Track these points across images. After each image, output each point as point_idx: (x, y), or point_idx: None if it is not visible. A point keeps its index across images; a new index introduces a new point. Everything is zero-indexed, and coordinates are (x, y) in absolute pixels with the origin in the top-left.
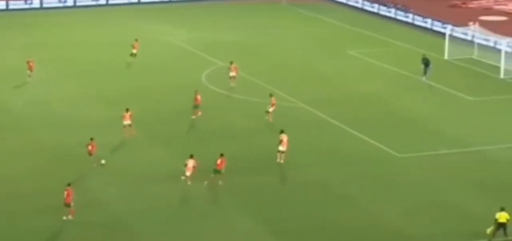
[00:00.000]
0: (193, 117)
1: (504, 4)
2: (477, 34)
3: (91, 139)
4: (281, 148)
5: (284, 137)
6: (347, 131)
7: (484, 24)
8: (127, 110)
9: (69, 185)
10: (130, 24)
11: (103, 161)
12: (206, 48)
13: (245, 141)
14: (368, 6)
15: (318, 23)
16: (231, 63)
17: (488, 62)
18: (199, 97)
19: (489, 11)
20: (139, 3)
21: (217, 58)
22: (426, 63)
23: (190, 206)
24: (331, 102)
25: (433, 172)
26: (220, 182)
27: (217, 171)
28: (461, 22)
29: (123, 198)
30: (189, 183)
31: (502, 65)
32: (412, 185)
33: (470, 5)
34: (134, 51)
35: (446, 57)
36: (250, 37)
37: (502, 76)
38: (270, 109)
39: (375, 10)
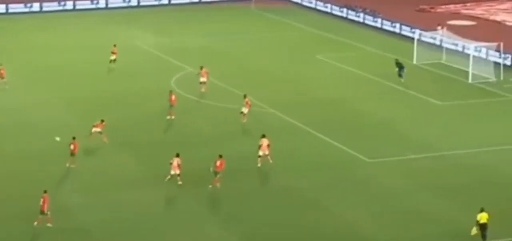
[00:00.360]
0: (168, 117)
1: (472, 9)
2: (445, 39)
3: (73, 138)
4: (261, 152)
5: (264, 142)
6: (317, 136)
7: (452, 29)
8: (102, 121)
9: (45, 192)
10: (97, 29)
11: (57, 138)
12: (175, 53)
13: (216, 147)
14: (336, 11)
15: (287, 28)
16: (201, 68)
17: (456, 66)
18: (173, 97)
19: (457, 15)
20: (106, 8)
21: (186, 63)
22: (400, 66)
23: (159, 213)
24: (300, 107)
25: (402, 177)
26: (210, 186)
27: (216, 173)
28: (429, 27)
29: (89, 205)
30: (180, 183)
31: (470, 70)
32: (382, 191)
33: (438, 10)
34: (113, 57)
35: (414, 61)
36: (219, 42)
37: (470, 80)
38: (245, 110)
39: (344, 15)
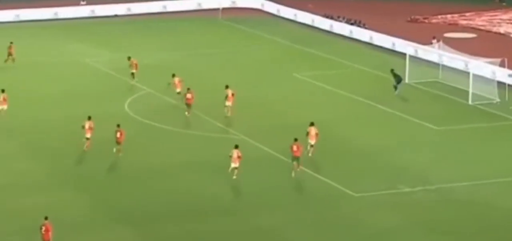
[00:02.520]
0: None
1: (472, 19)
2: (442, 54)
3: (118, 125)
4: (233, 164)
5: (235, 153)
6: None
7: (449, 42)
8: (89, 117)
9: (46, 218)
10: (43, 43)
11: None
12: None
13: (179, 180)
14: (318, 22)
15: (260, 41)
16: (173, 76)
17: (455, 85)
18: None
19: (454, 27)
20: (55, 19)
21: (142, 83)
22: (397, 78)
23: None
24: (275, 133)
25: (393, 214)
26: (294, 172)
27: (295, 158)
28: (424, 40)
29: None
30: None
31: (470, 90)
32: (371, 229)
33: (433, 20)
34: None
35: (406, 80)
36: (182, 57)
37: (470, 102)
38: (228, 104)
39: (327, 27)
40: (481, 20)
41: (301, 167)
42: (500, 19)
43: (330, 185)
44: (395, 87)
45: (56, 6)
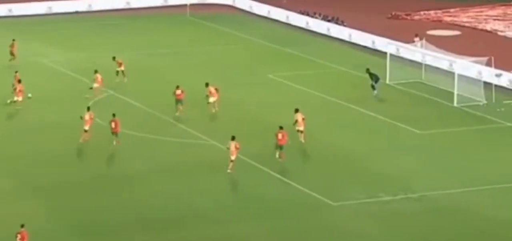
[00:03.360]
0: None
1: (456, 16)
2: (425, 53)
3: (113, 115)
4: (232, 157)
5: (233, 145)
6: (270, 175)
7: (433, 40)
8: (88, 108)
9: (22, 226)
10: None
11: (29, 95)
12: (90, 72)
13: (147, 188)
14: (293, 19)
15: (231, 40)
16: (114, 58)
17: (439, 86)
18: (114, 124)
19: (438, 24)
20: (10, 16)
21: (105, 85)
22: (374, 77)
23: None
24: (248, 138)
25: (374, 224)
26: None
27: (279, 147)
28: (406, 38)
29: None
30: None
31: (456, 91)
32: (351, 240)
33: (416, 17)
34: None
35: (387, 81)
36: (146, 57)
37: (455, 104)
38: (212, 100)
39: (303, 25)
40: (466, 17)
41: (284, 156)
42: (487, 15)
43: (307, 193)
44: (373, 87)
45: (10, 2)
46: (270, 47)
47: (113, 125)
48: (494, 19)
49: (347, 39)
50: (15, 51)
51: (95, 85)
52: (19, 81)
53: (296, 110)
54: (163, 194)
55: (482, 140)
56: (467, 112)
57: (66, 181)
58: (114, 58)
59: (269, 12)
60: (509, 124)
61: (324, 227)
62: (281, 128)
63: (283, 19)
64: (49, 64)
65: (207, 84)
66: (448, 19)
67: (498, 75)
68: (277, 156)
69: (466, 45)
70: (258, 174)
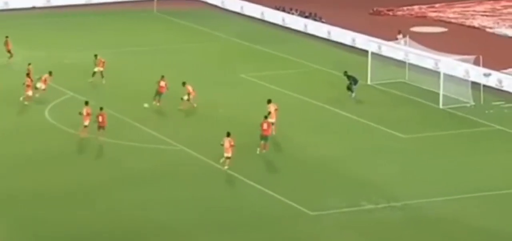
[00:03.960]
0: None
1: (442, 11)
2: (408, 51)
3: (101, 108)
4: (226, 154)
5: (227, 141)
6: (242, 181)
7: (417, 37)
8: (86, 102)
9: None
10: None
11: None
12: (44, 72)
13: (111, 198)
14: (268, 15)
15: (201, 37)
16: (96, 56)
17: (423, 87)
18: (101, 118)
19: (423, 20)
20: None
21: (65, 86)
22: (352, 79)
23: None
24: (216, 143)
25: (355, 234)
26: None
27: (264, 137)
28: (388, 35)
29: None
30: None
31: (441, 92)
32: None
33: (399, 12)
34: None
35: (369, 81)
36: (109, 57)
37: (441, 105)
38: (186, 97)
39: (279, 21)
40: (452, 12)
41: (268, 147)
42: (474, 11)
43: (282, 202)
44: (349, 88)
45: None
46: (243, 45)
47: (100, 119)
48: (482, 15)
49: (325, 36)
50: (10, 47)
51: (40, 85)
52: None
53: (269, 101)
54: (126, 205)
55: (470, 145)
56: (454, 114)
57: (22, 191)
58: (96, 56)
59: (242, 7)
60: (498, 127)
61: (300, 239)
62: (266, 117)
63: (258, 15)
64: (4, 62)
65: (184, 84)
66: (433, 14)
67: (486, 75)
68: (258, 150)
69: (452, 42)
70: (230, 181)
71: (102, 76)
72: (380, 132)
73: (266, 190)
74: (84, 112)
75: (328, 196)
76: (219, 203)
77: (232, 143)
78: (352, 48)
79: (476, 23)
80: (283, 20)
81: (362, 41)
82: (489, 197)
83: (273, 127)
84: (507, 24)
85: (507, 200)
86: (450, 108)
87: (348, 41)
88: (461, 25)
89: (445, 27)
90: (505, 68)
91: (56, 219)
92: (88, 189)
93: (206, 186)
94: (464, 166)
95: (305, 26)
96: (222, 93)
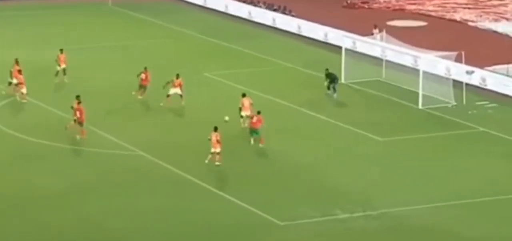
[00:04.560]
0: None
1: (421, 4)
2: (385, 47)
3: (77, 96)
4: (215, 149)
5: (214, 136)
6: (205, 189)
7: (394, 32)
8: (78, 100)
9: None
10: None
11: (226, 118)
12: None
13: (66, 209)
14: (234, 9)
15: (161, 33)
16: (61, 51)
17: (402, 86)
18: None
19: (400, 13)
20: None
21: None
22: (332, 78)
23: None
24: (180, 148)
25: None
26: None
27: (253, 131)
28: (363, 30)
29: None
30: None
31: (421, 91)
32: None
33: (374, 5)
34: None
35: (343, 79)
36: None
37: (420, 106)
38: (178, 91)
39: (245, 15)
40: (432, 5)
41: (263, 141)
42: (456, 3)
43: (249, 211)
44: (328, 88)
45: None
46: (206, 41)
47: (78, 114)
48: (464, 8)
49: (295, 31)
50: None
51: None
52: (61, 51)
53: (243, 95)
54: (81, 217)
55: (451, 148)
56: (434, 115)
57: None
58: (61, 50)
59: (205, 0)
60: (482, 128)
61: None
62: (259, 113)
63: (222, 9)
64: None
65: (177, 76)
66: (411, 7)
67: (469, 73)
68: (251, 142)
69: (432, 37)
70: (193, 189)
71: (64, 74)
72: (355, 135)
73: (232, 199)
74: (76, 106)
75: (300, 205)
76: (181, 213)
77: (218, 139)
78: (324, 44)
79: (457, 16)
80: (250, 13)
81: (335, 36)
82: (471, 204)
83: (248, 120)
84: (490, 17)
85: (490, 207)
86: (430, 108)
87: (320, 37)
88: (442, 18)
89: (424, 21)
90: (489, 65)
91: (6, 230)
92: (37, 200)
93: (166, 193)
94: (445, 171)
95: (274, 20)
96: (184, 93)
